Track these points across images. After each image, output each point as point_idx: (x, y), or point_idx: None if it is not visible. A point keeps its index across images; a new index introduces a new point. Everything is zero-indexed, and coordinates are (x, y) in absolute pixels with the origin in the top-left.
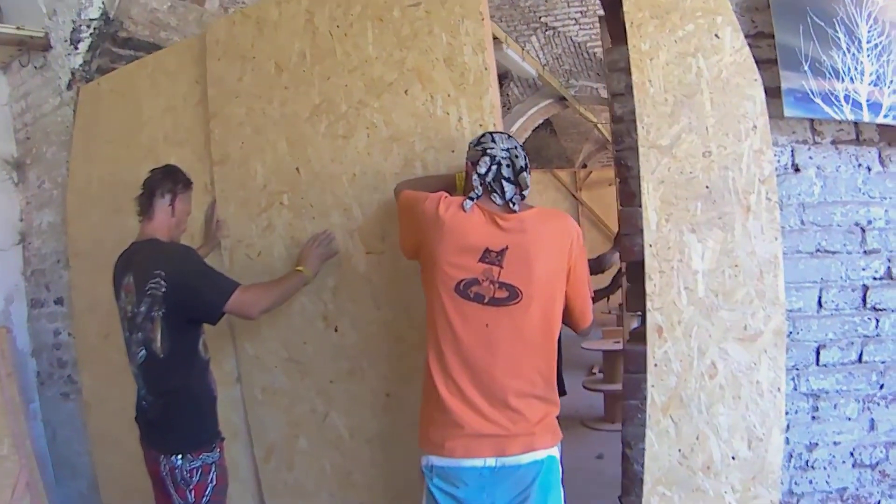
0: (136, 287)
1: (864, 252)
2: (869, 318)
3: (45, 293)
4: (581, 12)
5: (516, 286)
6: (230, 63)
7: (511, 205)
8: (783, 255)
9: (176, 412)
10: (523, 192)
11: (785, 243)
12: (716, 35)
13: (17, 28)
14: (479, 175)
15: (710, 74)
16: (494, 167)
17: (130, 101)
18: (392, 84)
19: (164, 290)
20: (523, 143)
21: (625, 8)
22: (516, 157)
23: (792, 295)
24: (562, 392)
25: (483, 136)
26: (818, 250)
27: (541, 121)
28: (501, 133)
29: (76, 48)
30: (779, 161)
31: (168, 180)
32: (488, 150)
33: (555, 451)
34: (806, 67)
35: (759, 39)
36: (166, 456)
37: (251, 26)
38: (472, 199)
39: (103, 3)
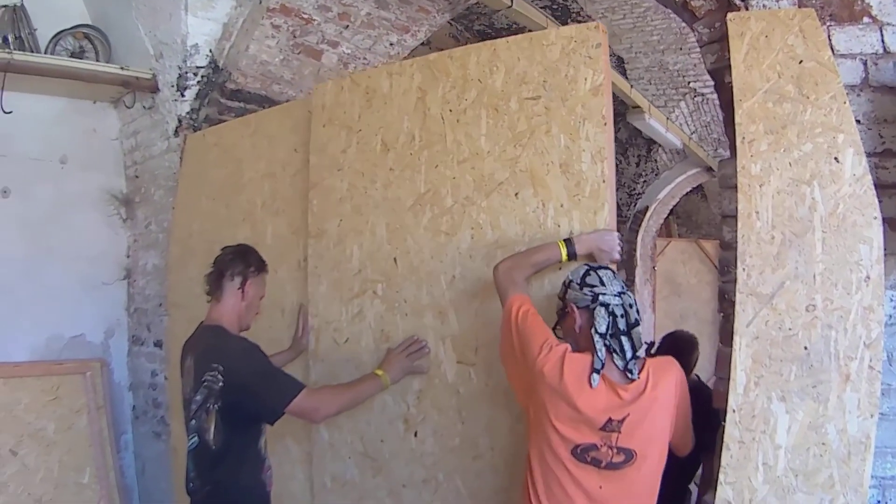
0: (194, 373)
1: None
2: None
3: (146, 333)
4: None
5: (633, 449)
6: (335, 132)
7: (629, 374)
8: (885, 415)
9: (220, 502)
10: (637, 353)
11: (889, 403)
12: (835, 159)
13: (122, 68)
14: (600, 336)
15: (826, 209)
16: (611, 320)
17: (233, 160)
18: (502, 184)
19: (220, 384)
20: (672, 209)
21: (737, 119)
22: (630, 305)
23: (888, 461)
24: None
25: (587, 273)
26: None
27: (689, 188)
28: (605, 269)
29: (183, 95)
30: None
31: (239, 262)
32: (601, 297)
33: None
34: None
35: (887, 158)
36: None
37: (360, 95)
38: (597, 371)
39: (210, 51)
